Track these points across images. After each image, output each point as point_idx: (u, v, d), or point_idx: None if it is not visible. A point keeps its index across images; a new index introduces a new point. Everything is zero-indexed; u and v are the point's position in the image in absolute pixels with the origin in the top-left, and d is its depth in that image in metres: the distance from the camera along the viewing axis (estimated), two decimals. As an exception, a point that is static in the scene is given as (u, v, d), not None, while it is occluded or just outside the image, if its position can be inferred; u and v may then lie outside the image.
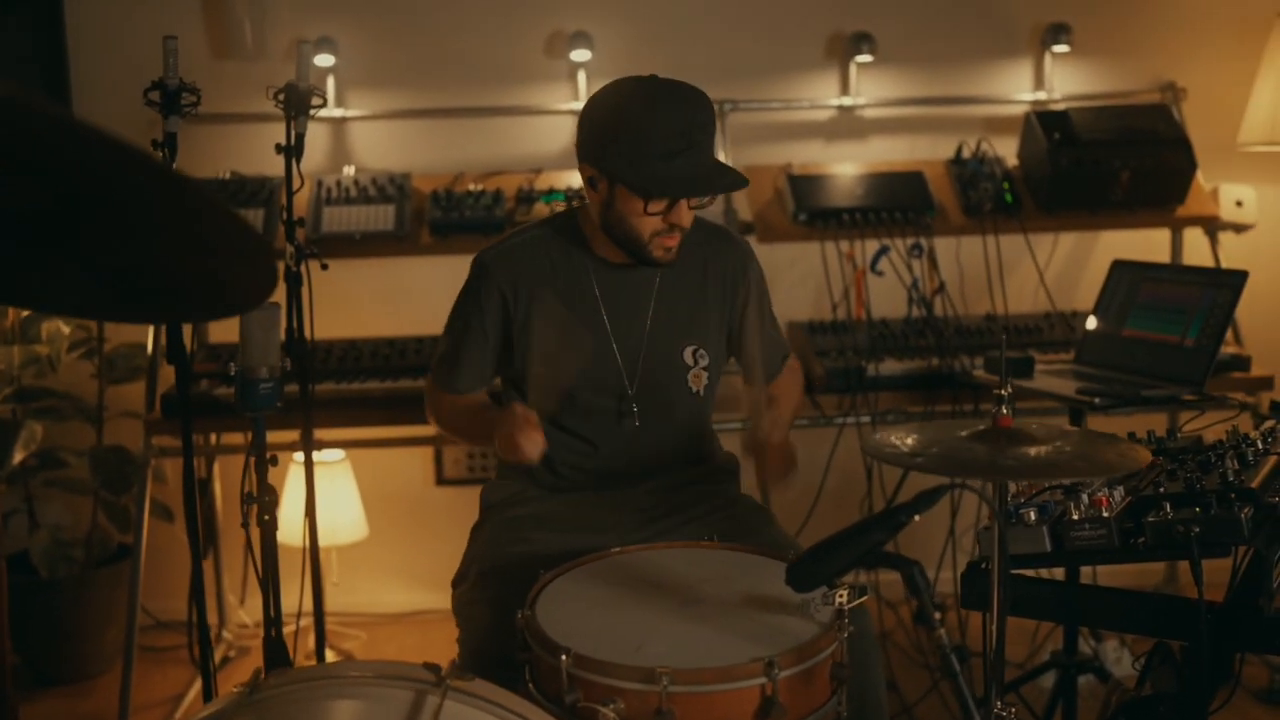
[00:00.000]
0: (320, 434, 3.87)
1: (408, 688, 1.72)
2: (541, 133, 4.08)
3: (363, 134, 4.06)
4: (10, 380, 3.69)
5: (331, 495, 3.87)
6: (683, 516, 2.44)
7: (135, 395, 3.75)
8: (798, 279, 4.02)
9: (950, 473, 1.79)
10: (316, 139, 4.04)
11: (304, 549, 3.58)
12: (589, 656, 1.80)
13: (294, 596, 4.12)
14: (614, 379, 2.41)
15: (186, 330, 3.07)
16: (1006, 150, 3.95)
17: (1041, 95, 4.14)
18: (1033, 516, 2.06)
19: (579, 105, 3.96)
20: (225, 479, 4.07)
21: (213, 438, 3.90)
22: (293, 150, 2.91)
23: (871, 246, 3.73)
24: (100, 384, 3.82)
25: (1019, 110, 4.03)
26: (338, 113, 4.01)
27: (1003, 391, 1.91)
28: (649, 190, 2.22)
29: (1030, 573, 2.10)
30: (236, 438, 3.87)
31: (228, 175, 3.81)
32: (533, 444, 2.21)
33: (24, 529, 3.86)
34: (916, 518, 1.69)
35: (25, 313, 3.73)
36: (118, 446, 3.77)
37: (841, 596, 1.88)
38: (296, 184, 2.94)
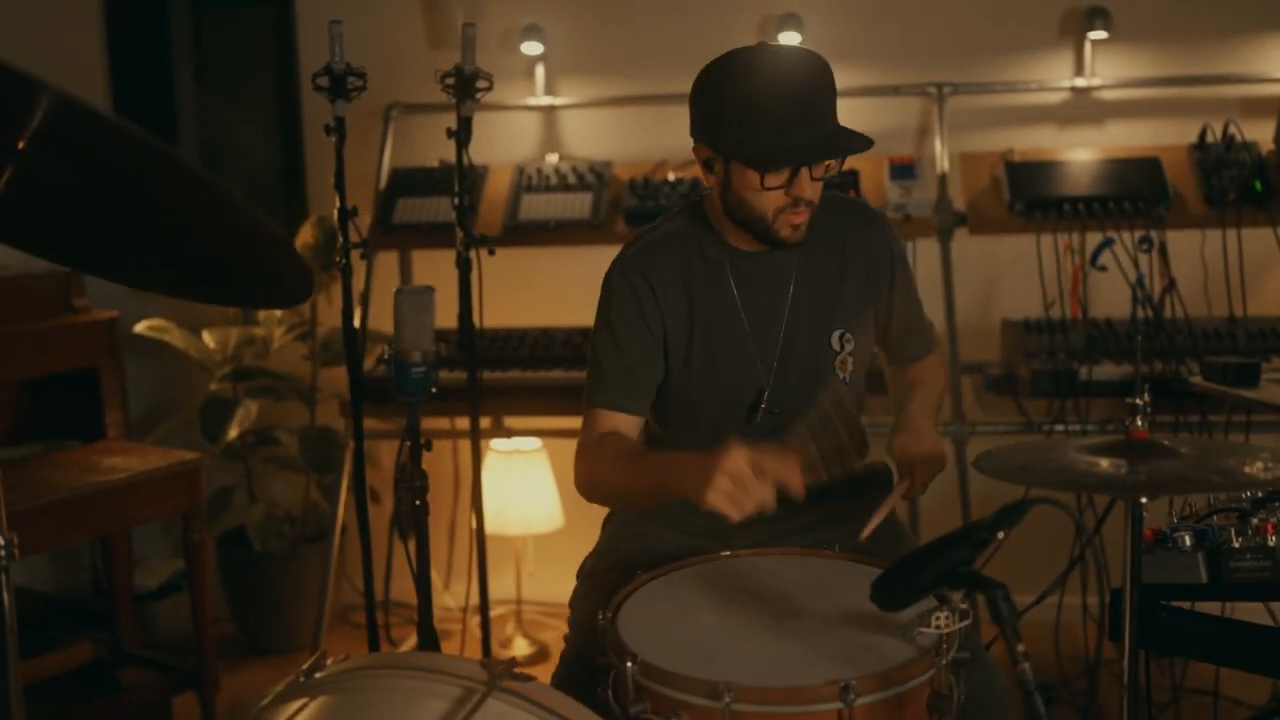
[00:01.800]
0: (514, 422, 3.89)
1: (456, 684, 1.65)
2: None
3: (571, 122, 4.04)
4: (230, 360, 3.86)
5: (527, 484, 3.87)
6: (822, 530, 2.27)
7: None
8: (1012, 274, 3.75)
9: (1060, 487, 1.59)
10: (525, 127, 4.06)
11: (502, 538, 3.61)
12: (655, 665, 1.68)
13: (497, 583, 4.18)
14: (751, 375, 2.27)
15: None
16: (1261, 135, 3.56)
17: (1308, 73, 3.71)
18: (1188, 541, 1.82)
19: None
20: (432, 463, 4.12)
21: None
22: (461, 135, 2.89)
23: (1095, 240, 3.42)
24: (313, 366, 3.94)
25: (1277, 90, 3.61)
26: (545, 100, 4.00)
27: (1138, 400, 1.68)
28: (763, 161, 2.07)
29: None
30: (443, 422, 3.92)
31: (437, 163, 3.86)
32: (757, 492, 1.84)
33: (245, 504, 4.04)
34: (1001, 535, 1.50)
35: (246, 296, 3.90)
36: (325, 427, 3.89)
37: (940, 620, 1.69)
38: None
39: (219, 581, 4.08)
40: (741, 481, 1.81)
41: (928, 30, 3.87)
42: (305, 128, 4.21)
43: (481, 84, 2.87)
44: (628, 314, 2.23)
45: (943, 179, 3.69)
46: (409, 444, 2.73)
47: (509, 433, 3.87)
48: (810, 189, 2.12)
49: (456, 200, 3.01)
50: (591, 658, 1.93)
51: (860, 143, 2.09)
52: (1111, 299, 3.51)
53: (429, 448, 2.72)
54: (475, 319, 3.10)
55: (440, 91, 3.82)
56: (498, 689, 1.63)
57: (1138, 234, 3.40)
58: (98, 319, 3.73)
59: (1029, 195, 3.49)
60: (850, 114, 3.86)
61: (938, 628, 1.69)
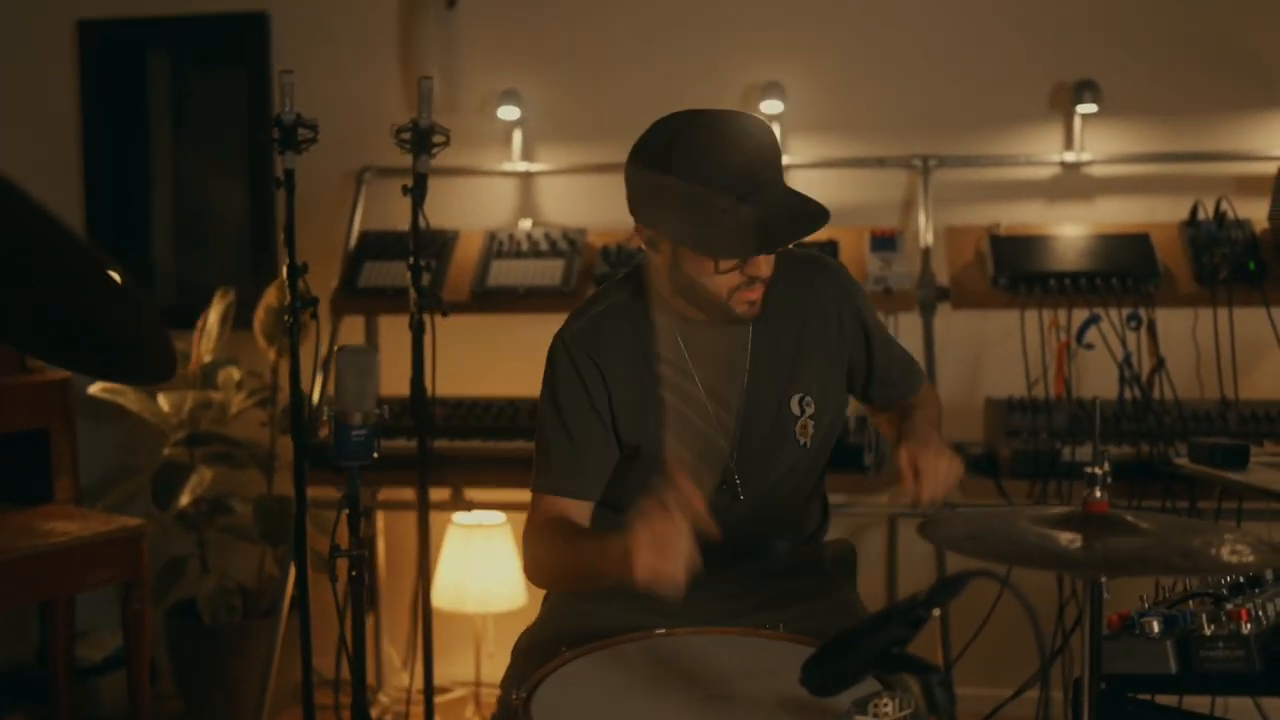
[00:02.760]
0: (476, 494, 3.74)
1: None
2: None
3: (547, 188, 3.95)
4: (185, 424, 3.72)
5: (488, 560, 3.71)
6: (774, 610, 2.10)
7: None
8: (997, 352, 3.61)
9: (1007, 560, 1.44)
10: (500, 192, 3.96)
11: (461, 616, 3.38)
12: (566, 751, 1.53)
13: (457, 664, 4.01)
14: (714, 450, 2.12)
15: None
16: (1255, 213, 3.44)
17: (1304, 152, 3.60)
18: (1156, 628, 1.66)
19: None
20: (396, 537, 3.99)
21: (379, 493, 3.84)
22: (417, 193, 2.78)
23: (1081, 317, 3.29)
24: (272, 432, 3.81)
25: (1272, 168, 3.50)
26: (522, 166, 3.91)
27: (1097, 470, 1.53)
28: (716, 251, 1.94)
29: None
30: (406, 493, 3.77)
31: (406, 229, 3.75)
32: (677, 542, 1.71)
33: (198, 575, 3.88)
34: (936, 612, 1.35)
35: (207, 359, 3.78)
36: (282, 497, 3.75)
37: (881, 707, 1.54)
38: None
39: (167, 656, 3.91)
40: (660, 542, 1.68)
41: (913, 101, 3.78)
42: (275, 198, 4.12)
43: (438, 139, 2.77)
44: (574, 395, 2.09)
45: (926, 253, 3.57)
46: (347, 512, 2.58)
47: (469, 505, 3.72)
48: (766, 265, 1.99)
49: (411, 261, 2.89)
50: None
51: (817, 218, 1.94)
52: (1098, 379, 3.37)
53: (367, 515, 2.58)
54: (429, 384, 2.97)
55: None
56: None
57: (1126, 311, 3.27)
58: (50, 379, 3.61)
59: (1014, 270, 3.36)
60: (833, 185, 3.84)
61: (876, 714, 1.53)
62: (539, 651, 1.99)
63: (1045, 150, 3.73)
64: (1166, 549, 1.40)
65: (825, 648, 1.45)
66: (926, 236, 3.60)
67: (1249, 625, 1.59)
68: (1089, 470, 1.52)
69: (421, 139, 2.74)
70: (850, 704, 1.53)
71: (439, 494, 3.60)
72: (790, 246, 2.20)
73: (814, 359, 2.15)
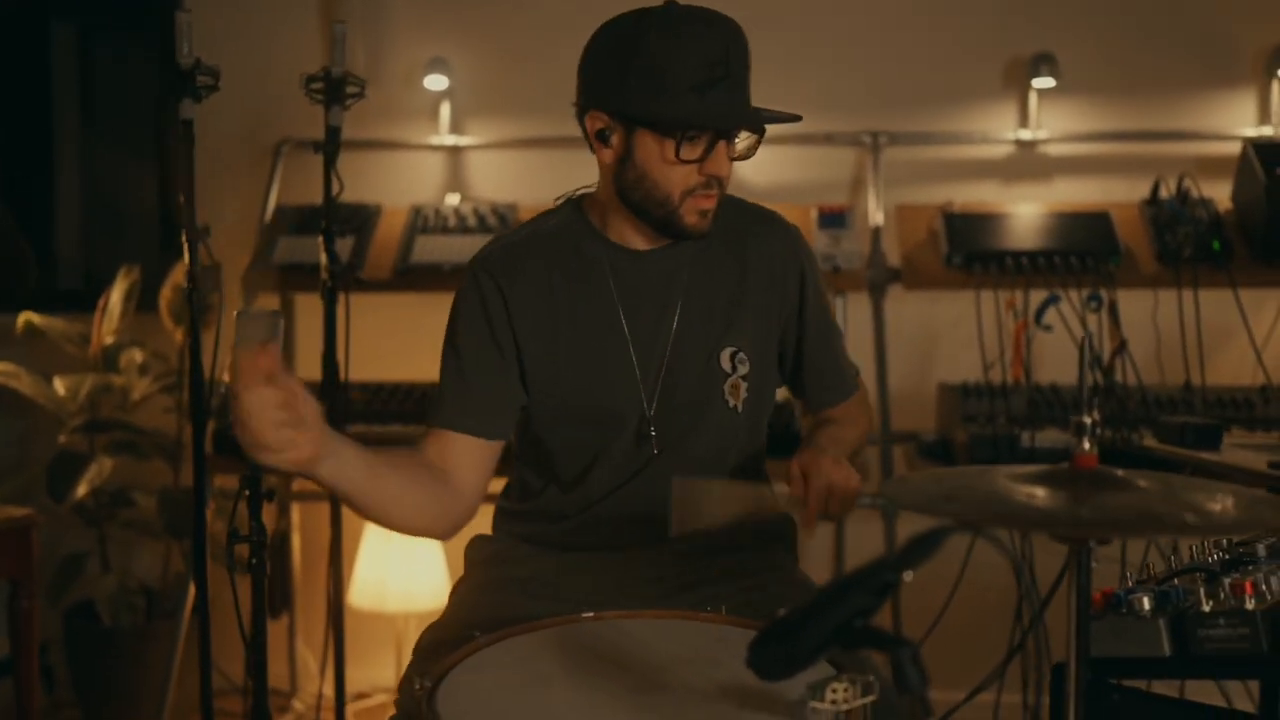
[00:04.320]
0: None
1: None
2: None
3: (477, 163, 3.72)
4: (83, 410, 3.46)
5: (411, 557, 3.47)
6: (712, 591, 1.90)
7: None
8: (951, 338, 3.43)
9: (988, 522, 1.24)
10: (427, 167, 3.73)
11: (382, 617, 3.11)
12: (471, 748, 1.30)
13: (376, 667, 3.76)
14: (629, 395, 1.91)
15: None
16: (1218, 194, 3.29)
17: (1268, 130, 3.45)
18: (1147, 605, 1.47)
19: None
20: (306, 528, 3.74)
21: (293, 483, 3.59)
22: (329, 149, 2.56)
23: (1038, 297, 3.11)
24: (179, 420, 3.55)
25: (1236, 148, 3.35)
26: (450, 140, 3.68)
27: (1086, 419, 1.34)
28: (684, 122, 1.75)
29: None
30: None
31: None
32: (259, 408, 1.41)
33: (98, 573, 3.61)
34: (909, 575, 1.14)
35: (108, 341, 3.51)
36: (189, 489, 3.48)
37: (837, 694, 1.33)
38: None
39: (65, 660, 3.63)
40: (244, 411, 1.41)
41: (863, 76, 3.60)
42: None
43: (352, 89, 2.55)
44: (474, 323, 1.90)
45: (876, 232, 3.39)
46: (247, 494, 2.35)
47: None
48: (726, 166, 1.82)
49: (324, 226, 2.66)
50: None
51: (785, 115, 1.81)
52: (1057, 362, 3.21)
53: (270, 498, 2.35)
54: (344, 365, 2.74)
55: (351, 129, 3.50)
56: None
57: (1085, 292, 3.10)
58: (-65, 360, 3.35)
59: (968, 248, 3.19)
60: (778, 163, 3.65)
61: (834, 703, 1.32)
62: (446, 646, 1.76)
63: (1000, 128, 3.56)
64: (1174, 504, 1.20)
65: (777, 623, 1.23)
66: (877, 216, 3.42)
67: (1253, 600, 1.41)
68: (1076, 420, 1.33)
69: (334, 89, 2.52)
70: (805, 689, 1.33)
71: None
72: (742, 201, 2.02)
73: (751, 315, 1.96)
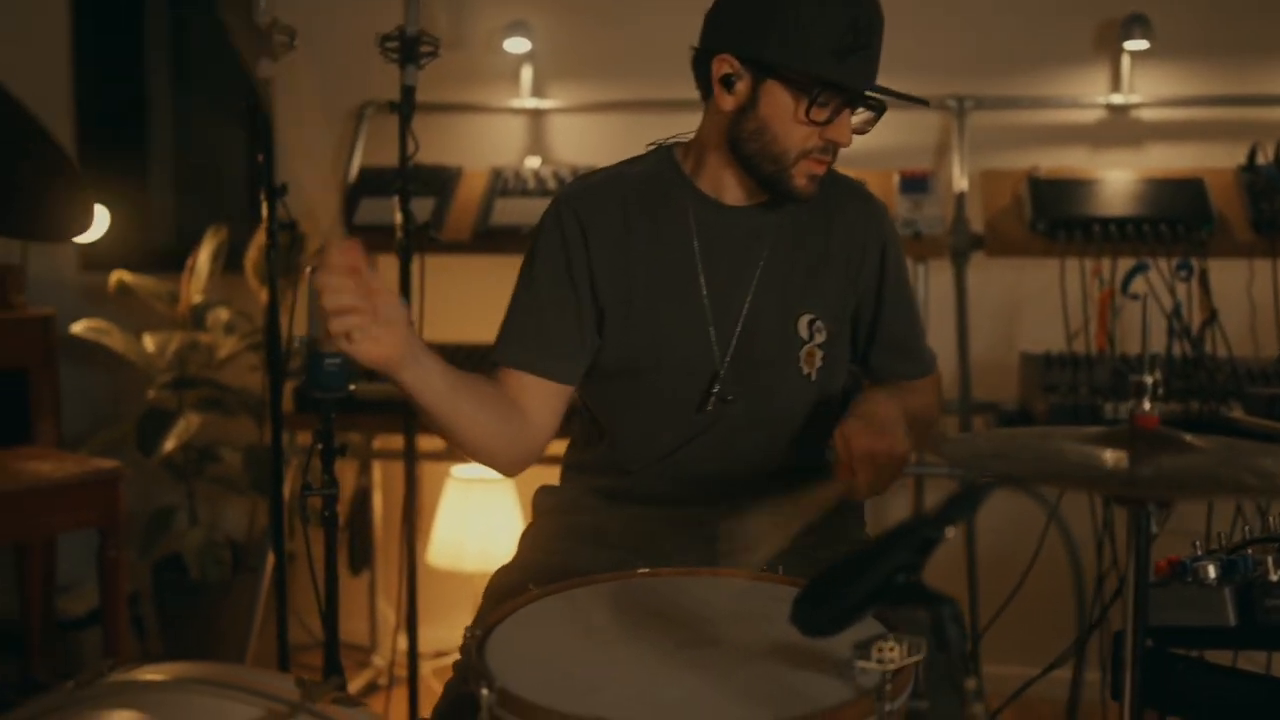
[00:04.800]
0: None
1: (258, 704, 1.30)
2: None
3: (558, 126, 3.73)
4: (171, 367, 3.54)
5: (488, 517, 3.50)
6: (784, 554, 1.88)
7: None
8: (1036, 306, 3.36)
9: (1041, 481, 1.21)
10: (508, 130, 3.75)
11: (460, 575, 3.12)
12: (517, 695, 1.31)
13: (455, 627, 3.80)
14: (701, 349, 1.90)
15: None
16: (1319, 159, 3.18)
17: (1373, 94, 3.33)
18: (1212, 574, 1.43)
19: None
20: (387, 487, 3.79)
21: (375, 441, 3.64)
22: (405, 108, 2.57)
23: (1126, 266, 3.04)
24: (264, 378, 3.61)
25: (1338, 111, 3.24)
26: (531, 103, 3.69)
27: (1147, 379, 1.31)
28: (822, 81, 1.73)
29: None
30: (398, 441, 3.57)
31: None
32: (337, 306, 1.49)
33: (186, 526, 3.70)
34: (950, 532, 1.12)
35: (197, 299, 3.59)
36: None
37: (884, 652, 1.31)
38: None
39: (155, 612, 3.74)
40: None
41: (948, 40, 3.53)
42: (277, 132, 3.91)
43: (426, 48, 2.56)
44: (552, 258, 1.89)
45: (960, 199, 3.33)
46: (320, 448, 2.38)
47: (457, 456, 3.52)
48: (847, 135, 1.80)
49: (399, 190, 2.68)
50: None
51: (915, 97, 1.81)
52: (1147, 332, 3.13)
53: (343, 452, 2.38)
54: (415, 323, 2.75)
55: (433, 92, 3.52)
56: (306, 710, 1.27)
57: (1175, 261, 3.02)
58: (30, 316, 3.44)
59: (1053, 214, 3.12)
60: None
61: (880, 661, 1.31)
62: (510, 592, 1.78)
63: (1090, 91, 3.47)
64: (1235, 467, 1.17)
65: (820, 579, 1.22)
66: (961, 182, 3.36)
67: (1321, 570, 1.37)
68: (1137, 379, 1.29)
69: (409, 49, 2.53)
70: (851, 648, 1.31)
71: (434, 443, 3.40)
72: (833, 171, 2.00)
73: (831, 285, 1.94)
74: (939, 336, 3.37)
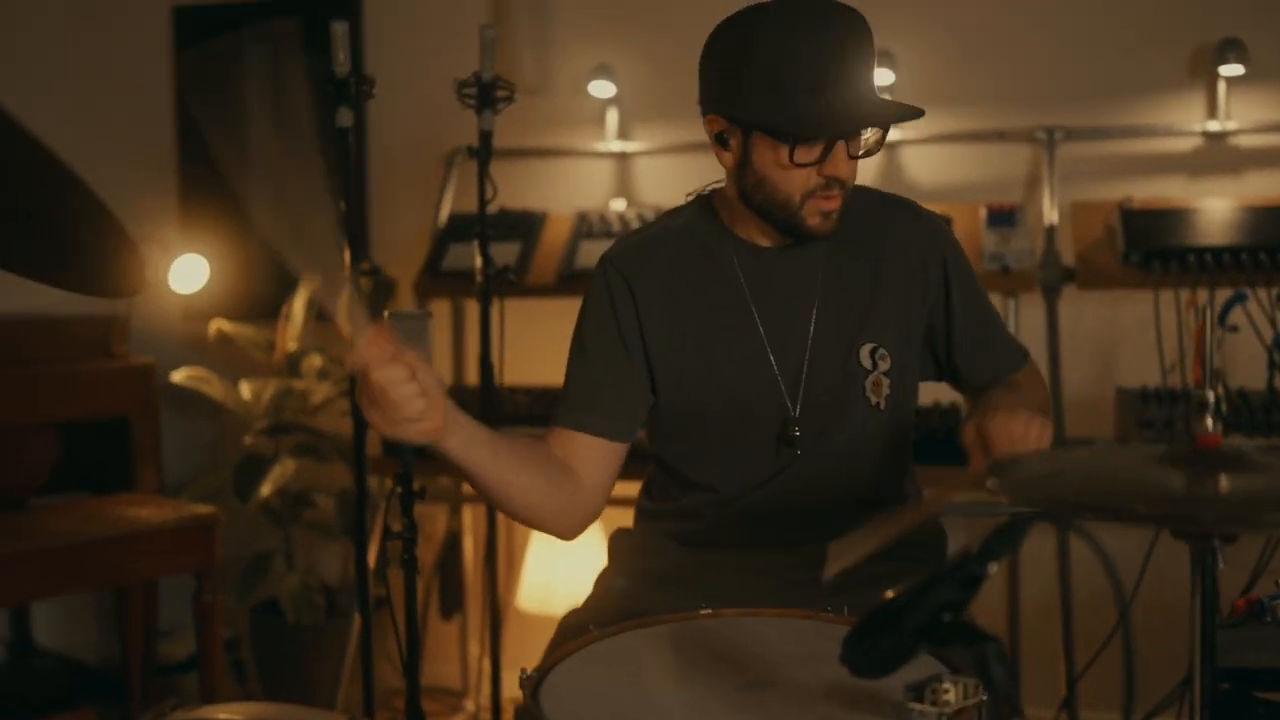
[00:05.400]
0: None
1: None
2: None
3: (643, 168, 3.74)
4: (267, 414, 3.61)
5: (576, 561, 3.49)
6: (845, 594, 1.84)
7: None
8: (1135, 340, 3.26)
9: (1086, 507, 1.17)
10: (594, 173, 3.77)
11: (548, 619, 3.14)
12: (566, 737, 1.30)
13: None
14: (770, 395, 1.88)
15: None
16: None
17: None
18: (1291, 613, 1.36)
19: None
20: (478, 531, 3.80)
21: (464, 485, 3.67)
22: (483, 153, 2.60)
23: (1223, 296, 2.94)
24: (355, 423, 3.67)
25: None
26: (616, 146, 3.71)
27: (1209, 395, 1.26)
28: (794, 129, 1.71)
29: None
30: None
31: (494, 210, 3.58)
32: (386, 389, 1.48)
33: (283, 571, 3.76)
34: (994, 567, 1.09)
35: (291, 347, 3.66)
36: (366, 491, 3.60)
37: (942, 694, 1.28)
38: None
39: (253, 655, 3.79)
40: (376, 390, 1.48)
41: (1036, 70, 3.47)
42: (370, 180, 4.00)
43: (502, 93, 2.59)
44: (601, 320, 1.90)
45: (1050, 232, 3.26)
46: (399, 491, 2.41)
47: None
48: (846, 168, 1.77)
49: (478, 234, 2.71)
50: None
51: (907, 111, 1.75)
52: (1243, 365, 3.03)
53: (422, 496, 2.40)
54: (500, 365, 2.79)
55: (502, 137, 3.56)
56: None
57: (1276, 290, 2.92)
58: (132, 365, 3.55)
59: (1147, 245, 3.04)
60: (946, 161, 3.56)
61: (935, 704, 1.27)
62: (577, 635, 1.77)
63: (1185, 119, 3.38)
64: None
65: (866, 618, 1.20)
66: (1051, 214, 3.29)
67: None
68: (1199, 397, 1.24)
69: (485, 94, 2.56)
70: (904, 690, 1.28)
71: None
72: (876, 192, 1.97)
73: (891, 308, 1.90)
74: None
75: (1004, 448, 1.60)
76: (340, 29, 2.47)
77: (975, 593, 1.12)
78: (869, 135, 1.79)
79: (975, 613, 1.17)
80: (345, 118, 2.50)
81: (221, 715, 1.39)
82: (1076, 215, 3.29)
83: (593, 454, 1.86)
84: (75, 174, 1.21)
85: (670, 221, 1.97)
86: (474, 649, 3.83)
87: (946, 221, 3.10)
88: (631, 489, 2.12)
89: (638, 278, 1.89)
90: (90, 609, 4.11)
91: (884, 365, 1.87)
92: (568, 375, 1.92)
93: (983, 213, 3.24)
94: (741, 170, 1.80)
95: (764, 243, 1.89)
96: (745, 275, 1.88)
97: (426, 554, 3.72)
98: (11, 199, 1.34)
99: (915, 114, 1.74)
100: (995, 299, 3.33)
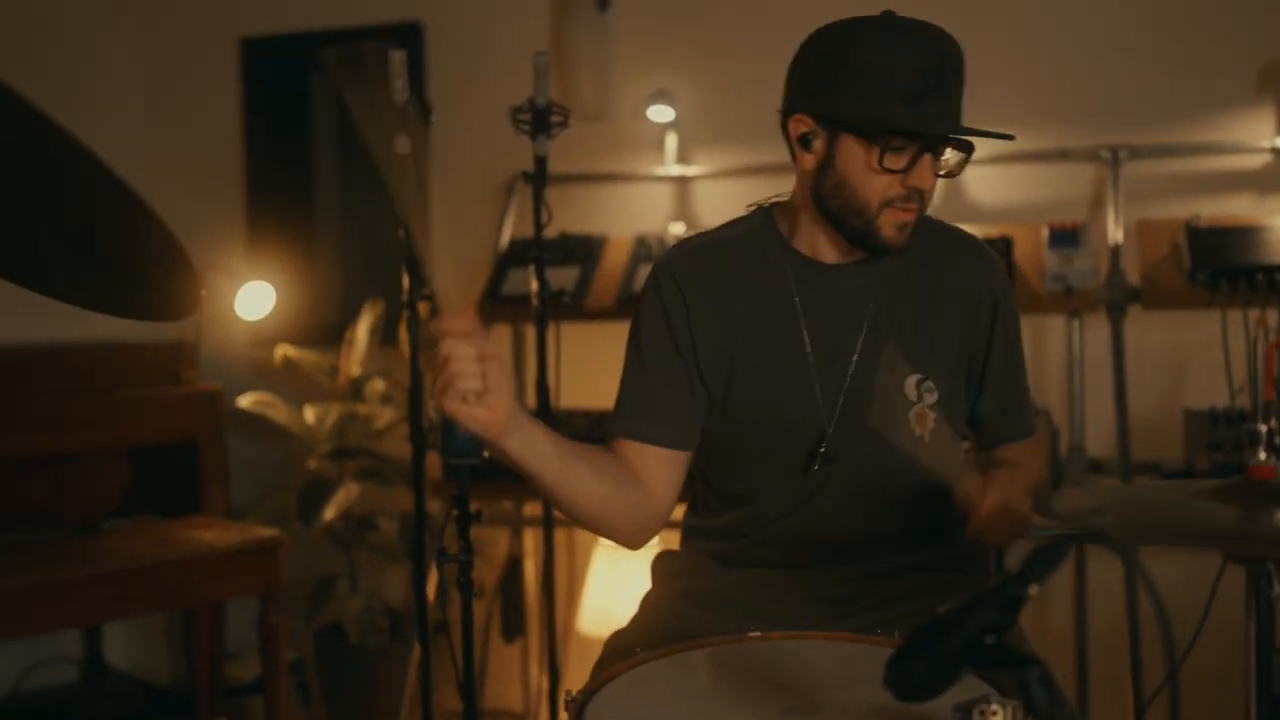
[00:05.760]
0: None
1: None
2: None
3: (703, 192, 3.75)
4: (331, 438, 3.65)
5: (637, 584, 3.47)
6: (898, 612, 1.83)
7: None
8: (1204, 361, 3.20)
9: (1140, 539, 1.15)
10: (653, 197, 3.78)
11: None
12: (609, 760, 1.30)
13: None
14: (807, 412, 1.86)
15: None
16: None
17: None
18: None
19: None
20: (539, 554, 3.81)
21: (525, 508, 3.68)
22: (538, 178, 2.62)
23: (1294, 315, 2.88)
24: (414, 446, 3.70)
25: None
26: (675, 170, 3.72)
27: (1262, 427, 1.24)
28: (890, 129, 1.71)
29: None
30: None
31: (555, 235, 3.61)
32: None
33: (348, 594, 3.79)
34: (1034, 589, 1.07)
35: (355, 372, 3.70)
36: (429, 514, 3.62)
37: (989, 716, 1.25)
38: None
39: (318, 678, 3.83)
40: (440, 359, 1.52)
41: (1100, 89, 3.42)
42: (430, 205, 4.03)
43: (556, 118, 2.61)
44: (655, 326, 1.89)
45: (1115, 251, 3.21)
46: (455, 514, 2.42)
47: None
48: (930, 180, 1.77)
49: (535, 259, 2.73)
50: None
51: (997, 132, 1.75)
52: (1317, 385, 2.96)
53: (478, 519, 2.40)
54: (552, 389, 2.79)
55: (562, 162, 3.58)
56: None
57: (1348, 309, 2.86)
58: (200, 390, 3.60)
59: (1214, 264, 2.99)
60: (1007, 182, 3.52)
61: (985, 729, 1.25)
62: (620, 657, 1.77)
63: (1254, 135, 3.32)
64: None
65: (908, 642, 1.18)
66: (1116, 234, 3.24)
67: None
68: (1251, 428, 1.22)
69: (539, 119, 2.58)
70: (952, 710, 1.26)
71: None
72: (942, 224, 1.96)
73: (941, 343, 1.88)
74: (1095, 394, 3.26)
75: (993, 510, 1.64)
76: (397, 57, 2.50)
77: (1017, 615, 1.10)
78: (951, 156, 1.78)
79: (1042, 642, 1.15)
80: (403, 144, 2.52)
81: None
82: (1142, 234, 3.24)
83: (656, 462, 1.86)
84: (131, 189, 1.22)
85: (729, 230, 1.97)
86: (536, 672, 3.83)
87: (1003, 257, 3.10)
88: (676, 510, 2.12)
89: (691, 283, 1.88)
90: (160, 631, 4.17)
91: (930, 398, 1.85)
92: (623, 382, 1.92)
93: (1045, 233, 3.20)
94: (822, 173, 1.79)
95: (823, 258, 1.87)
96: (799, 289, 1.87)
97: (488, 577, 3.73)
98: (70, 218, 1.36)
99: (1006, 137, 1.75)
100: (1058, 320, 3.33)
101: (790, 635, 1.66)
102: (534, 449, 1.66)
